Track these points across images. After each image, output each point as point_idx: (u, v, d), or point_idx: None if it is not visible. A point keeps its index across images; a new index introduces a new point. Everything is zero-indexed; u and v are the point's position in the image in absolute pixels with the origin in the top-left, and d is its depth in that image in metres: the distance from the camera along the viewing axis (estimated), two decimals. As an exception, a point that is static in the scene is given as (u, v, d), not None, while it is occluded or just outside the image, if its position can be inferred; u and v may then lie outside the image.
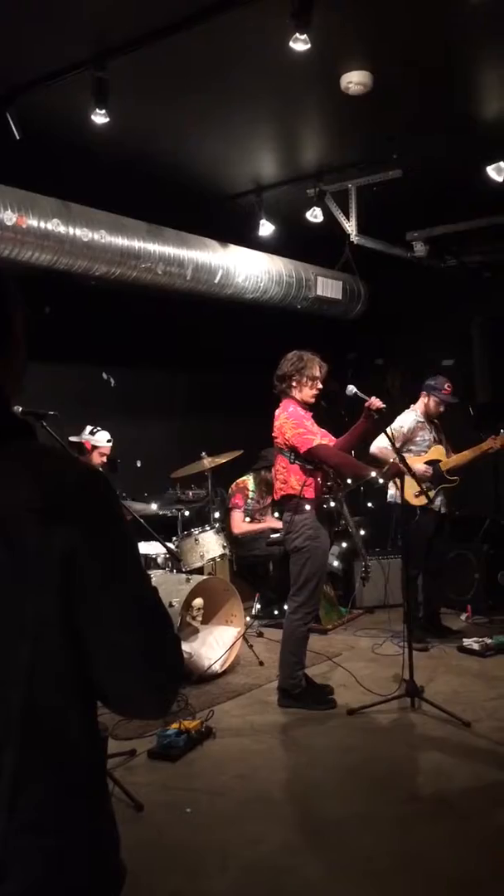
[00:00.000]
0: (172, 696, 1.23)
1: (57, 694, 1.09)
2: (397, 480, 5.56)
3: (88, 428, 5.45)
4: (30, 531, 1.05)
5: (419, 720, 4.35)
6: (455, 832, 3.18)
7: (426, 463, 5.72)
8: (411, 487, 5.61)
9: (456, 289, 7.30)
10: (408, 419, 5.78)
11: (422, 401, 5.87)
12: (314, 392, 4.63)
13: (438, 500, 5.74)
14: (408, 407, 5.94)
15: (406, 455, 5.69)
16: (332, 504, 4.60)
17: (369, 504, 7.15)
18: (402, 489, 4.84)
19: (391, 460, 5.38)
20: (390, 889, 2.84)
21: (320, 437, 4.50)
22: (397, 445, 5.63)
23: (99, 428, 5.48)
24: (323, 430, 4.64)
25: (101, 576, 1.09)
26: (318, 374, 4.61)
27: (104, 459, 5.44)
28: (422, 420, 5.82)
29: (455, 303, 7.31)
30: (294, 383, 4.60)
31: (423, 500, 5.52)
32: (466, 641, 5.54)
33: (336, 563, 6.81)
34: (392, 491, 5.72)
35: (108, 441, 5.48)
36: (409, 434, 5.75)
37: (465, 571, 6.44)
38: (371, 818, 3.32)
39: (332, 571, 6.72)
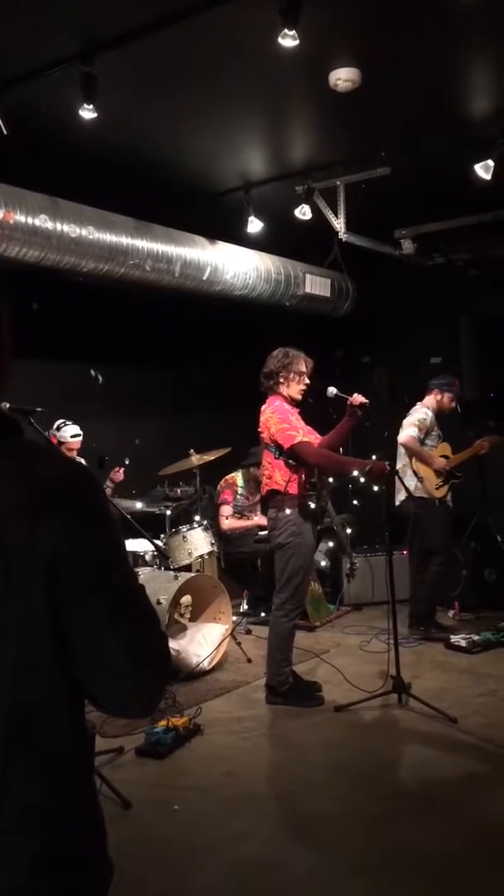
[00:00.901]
0: (159, 695, 1.23)
1: (43, 693, 1.08)
2: (418, 471, 5.62)
3: (57, 423, 5.29)
4: (15, 530, 1.05)
5: (406, 716, 4.37)
6: (441, 827, 3.20)
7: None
8: (431, 480, 5.67)
9: (444, 287, 7.31)
10: (428, 413, 5.84)
11: (434, 398, 5.92)
12: (301, 388, 4.63)
13: (448, 496, 5.84)
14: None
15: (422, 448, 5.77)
16: (315, 503, 4.58)
17: (355, 502, 7.17)
18: (393, 486, 4.86)
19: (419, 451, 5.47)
20: (377, 884, 2.85)
21: (305, 434, 4.49)
22: (421, 437, 5.71)
23: (67, 423, 5.32)
24: (309, 427, 4.64)
25: (87, 573, 1.09)
26: (304, 369, 4.61)
27: (74, 455, 5.26)
28: (434, 416, 5.88)
29: (443, 301, 7.33)
30: (281, 379, 4.60)
31: (442, 492, 5.59)
32: (454, 638, 5.57)
33: (323, 561, 6.82)
34: (413, 483, 5.74)
35: (74, 436, 5.28)
36: (430, 427, 5.80)
37: (453, 568, 6.46)
38: (358, 814, 3.34)
39: (320, 569, 6.74)
